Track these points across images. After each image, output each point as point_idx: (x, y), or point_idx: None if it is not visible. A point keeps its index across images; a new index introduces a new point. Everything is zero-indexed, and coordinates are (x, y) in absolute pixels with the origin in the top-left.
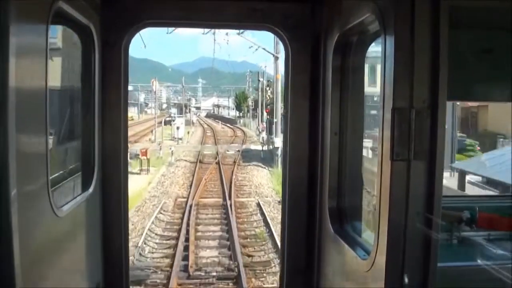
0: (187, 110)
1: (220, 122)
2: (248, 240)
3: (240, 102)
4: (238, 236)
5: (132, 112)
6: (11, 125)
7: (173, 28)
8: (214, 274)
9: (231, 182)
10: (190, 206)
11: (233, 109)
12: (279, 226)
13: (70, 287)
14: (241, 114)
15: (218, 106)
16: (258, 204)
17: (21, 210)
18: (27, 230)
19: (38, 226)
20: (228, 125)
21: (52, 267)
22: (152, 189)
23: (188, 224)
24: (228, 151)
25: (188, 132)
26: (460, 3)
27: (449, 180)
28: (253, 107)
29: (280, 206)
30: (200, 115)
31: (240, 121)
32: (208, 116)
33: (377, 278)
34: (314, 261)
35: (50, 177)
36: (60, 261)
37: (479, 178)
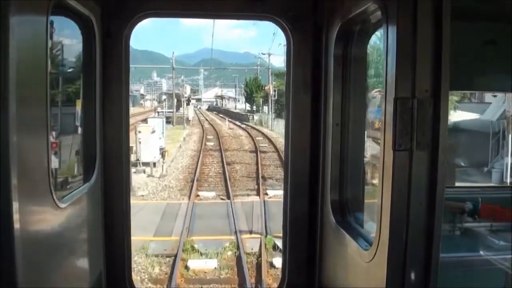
0: (187, 103)
1: (226, 119)
2: None
3: (251, 92)
4: None
5: None
6: (12, 116)
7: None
8: None
9: None
10: None
11: (239, 100)
12: None
13: (72, 277)
14: (253, 107)
15: (221, 97)
16: None
17: (22, 201)
18: (28, 221)
19: (39, 217)
20: (237, 123)
21: (54, 257)
22: None
23: None
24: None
25: (165, 153)
26: None
27: None
28: (275, 97)
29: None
30: (201, 108)
31: (253, 118)
32: (210, 109)
33: (379, 269)
34: (316, 252)
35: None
36: (62, 252)
37: None
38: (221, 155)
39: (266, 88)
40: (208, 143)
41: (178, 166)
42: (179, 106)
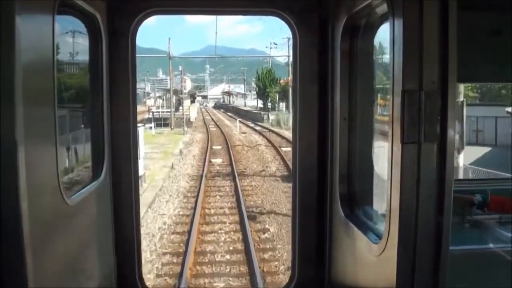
0: (192, 100)
1: (237, 119)
2: None
3: (265, 86)
4: None
5: None
6: (19, 114)
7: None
8: None
9: None
10: None
11: (248, 96)
12: None
13: (82, 275)
14: (268, 104)
15: (229, 93)
16: None
17: (31, 199)
18: (37, 219)
19: (48, 215)
20: (250, 124)
21: (64, 255)
22: None
23: None
24: None
25: None
26: None
27: None
28: None
29: None
30: (207, 106)
31: (269, 117)
32: (216, 107)
33: (389, 262)
34: (326, 246)
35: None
36: (72, 250)
37: None
38: (236, 190)
39: (282, 81)
40: (214, 160)
41: (155, 227)
42: (180, 104)
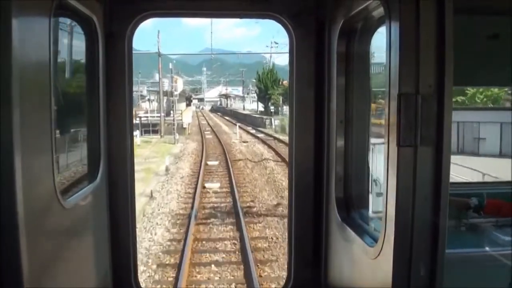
0: (187, 103)
1: (237, 125)
2: None
3: (266, 88)
4: None
5: None
6: (15, 116)
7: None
8: None
9: None
10: None
11: (246, 99)
12: None
13: (78, 278)
14: (270, 108)
15: (226, 96)
16: None
17: (27, 203)
18: (34, 223)
19: (44, 218)
20: (250, 130)
21: (59, 258)
22: None
23: None
24: None
25: None
26: None
27: None
28: None
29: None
30: (203, 109)
31: (272, 123)
32: (213, 110)
33: (385, 265)
34: (322, 250)
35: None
36: (68, 253)
37: None
38: (243, 248)
39: (285, 82)
40: (209, 185)
41: None
42: (171, 107)
